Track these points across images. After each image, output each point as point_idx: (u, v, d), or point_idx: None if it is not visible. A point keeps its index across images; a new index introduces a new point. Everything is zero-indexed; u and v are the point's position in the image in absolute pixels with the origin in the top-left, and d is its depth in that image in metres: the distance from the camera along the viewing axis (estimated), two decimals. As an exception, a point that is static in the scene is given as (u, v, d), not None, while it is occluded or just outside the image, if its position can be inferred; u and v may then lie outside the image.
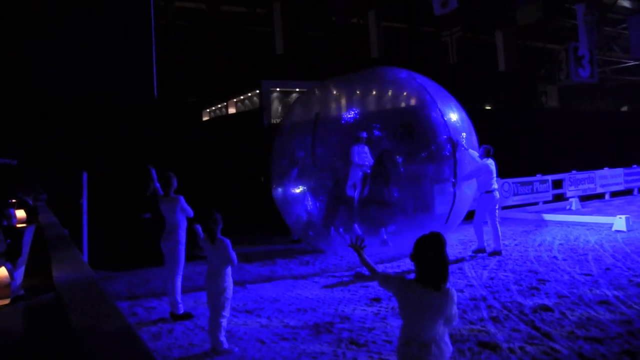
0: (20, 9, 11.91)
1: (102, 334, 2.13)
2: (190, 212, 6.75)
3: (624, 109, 34.95)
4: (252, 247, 11.47)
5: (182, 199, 6.72)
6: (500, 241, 9.91)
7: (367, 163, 10.57)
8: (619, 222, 11.78)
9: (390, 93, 11.61)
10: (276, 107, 20.53)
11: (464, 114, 10.38)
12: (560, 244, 10.58)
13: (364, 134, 10.54)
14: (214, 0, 21.86)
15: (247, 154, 15.12)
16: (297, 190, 11.42)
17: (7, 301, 3.69)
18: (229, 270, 5.46)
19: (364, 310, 6.63)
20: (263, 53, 20.90)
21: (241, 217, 12.74)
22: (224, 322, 5.40)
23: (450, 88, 10.79)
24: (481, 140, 10.42)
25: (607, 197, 18.38)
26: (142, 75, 13.20)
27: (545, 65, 29.54)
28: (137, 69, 13.16)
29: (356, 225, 10.46)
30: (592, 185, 17.91)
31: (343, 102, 11.95)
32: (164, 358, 5.30)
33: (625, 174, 19.20)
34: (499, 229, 9.95)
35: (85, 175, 8.73)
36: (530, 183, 16.41)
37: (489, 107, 27.20)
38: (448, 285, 3.05)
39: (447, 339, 3.07)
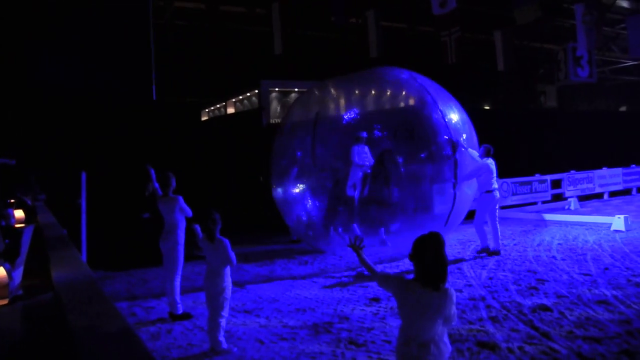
0: (19, 9, 11.90)
1: (101, 334, 2.13)
2: (189, 212, 6.74)
3: (623, 109, 34.99)
4: (251, 247, 11.46)
5: (180, 199, 6.71)
6: (500, 241, 9.91)
7: (367, 163, 10.58)
8: (618, 222, 11.79)
9: (391, 94, 11.60)
10: (275, 107, 20.54)
11: (464, 115, 10.38)
12: (559, 244, 10.59)
13: (364, 134, 10.54)
14: (213, 0, 21.85)
15: (246, 154, 15.12)
16: (297, 190, 11.43)
17: (5, 301, 3.69)
18: (227, 270, 5.46)
19: (363, 310, 6.63)
20: (262, 53, 20.89)
21: (240, 217, 12.73)
22: (223, 322, 5.39)
23: (449, 88, 10.79)
24: (480, 140, 10.43)
25: (605, 196, 18.40)
26: (140, 75, 13.20)
27: (544, 65, 29.56)
28: (136, 69, 13.15)
29: (355, 225, 10.46)
30: (590, 185, 17.93)
31: (343, 102, 11.96)
32: (162, 358, 5.29)
33: (624, 174, 19.22)
34: (499, 229, 9.96)
35: (84, 175, 8.72)
36: (529, 183, 16.43)
37: (488, 107, 27.22)
38: (447, 285, 3.05)
39: (446, 338, 3.07)
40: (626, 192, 19.22)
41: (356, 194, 10.57)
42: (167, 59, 18.68)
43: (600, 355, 4.88)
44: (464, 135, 9.97)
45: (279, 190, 11.46)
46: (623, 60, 30.47)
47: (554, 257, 9.38)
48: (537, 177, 16.66)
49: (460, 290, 7.30)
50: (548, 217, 14.22)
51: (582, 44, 19.20)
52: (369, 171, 10.58)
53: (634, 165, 19.87)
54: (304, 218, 11.27)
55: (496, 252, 9.72)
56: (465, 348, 5.16)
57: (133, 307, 7.13)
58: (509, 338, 5.40)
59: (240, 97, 22.66)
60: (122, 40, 12.78)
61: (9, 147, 10.80)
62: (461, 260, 9.46)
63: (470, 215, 10.72)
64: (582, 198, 17.27)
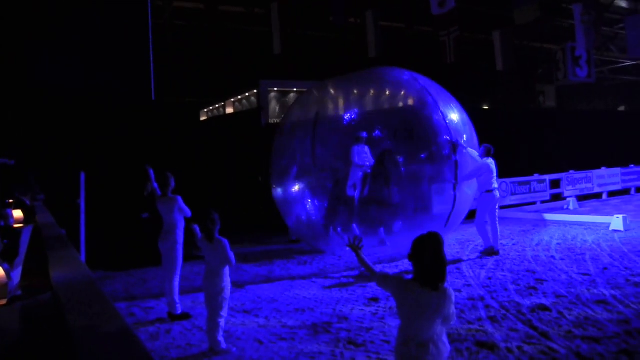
0: (18, 9, 11.89)
1: (100, 334, 2.13)
2: (188, 212, 6.74)
3: (621, 108, 35.02)
4: (250, 247, 11.46)
5: (179, 199, 6.71)
6: (499, 241, 9.92)
7: (367, 163, 10.58)
8: (616, 222, 11.80)
9: (392, 94, 11.58)
10: (274, 106, 20.54)
11: (465, 116, 10.37)
12: (557, 244, 10.60)
13: (364, 134, 10.54)
14: (212, 0, 21.84)
15: (245, 154, 15.11)
16: (297, 190, 11.43)
17: (4, 301, 3.69)
18: (226, 270, 5.46)
19: (362, 310, 6.64)
20: (261, 53, 20.88)
21: (239, 217, 12.73)
22: (222, 322, 5.39)
23: (448, 88, 10.79)
24: (479, 140, 10.43)
25: (604, 196, 18.42)
26: (139, 75, 13.19)
27: (543, 65, 29.58)
28: (135, 69, 13.14)
29: (354, 225, 10.46)
30: (589, 185, 17.94)
31: (344, 102, 11.95)
32: (161, 358, 5.29)
33: (623, 174, 19.23)
34: (498, 229, 9.97)
35: (82, 175, 8.71)
36: (528, 183, 16.44)
37: (487, 107, 27.22)
38: (446, 284, 3.05)
39: (445, 338, 3.07)
40: (625, 192, 19.24)
41: (356, 194, 10.57)
42: (166, 59, 18.66)
43: (599, 355, 4.89)
44: (465, 136, 9.97)
45: (279, 190, 11.46)
46: (622, 60, 30.51)
47: (552, 257, 9.38)
48: (536, 177, 16.67)
49: (459, 290, 7.31)
50: (547, 216, 14.23)
51: (581, 43, 19.22)
52: (369, 171, 10.58)
53: (632, 165, 19.89)
54: (304, 218, 11.26)
55: (495, 252, 9.72)
56: (464, 348, 5.17)
57: (132, 307, 7.12)
58: (508, 338, 5.40)
59: (239, 97, 22.66)
60: (121, 40, 12.78)
61: (8, 147, 10.79)
62: (460, 260, 9.47)
63: (470, 215, 10.73)
64: (581, 198, 17.29)
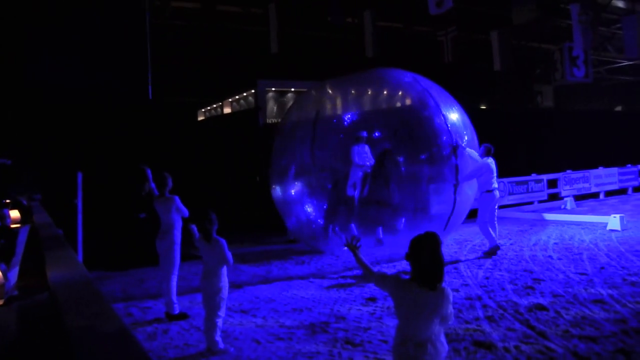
0: (16, 8, 11.86)
1: (97, 334, 2.12)
2: (186, 212, 6.73)
3: (618, 108, 35.09)
4: (248, 247, 11.45)
5: (177, 199, 6.70)
6: (496, 241, 9.93)
7: (367, 163, 10.58)
8: (614, 222, 11.83)
9: (393, 96, 11.56)
10: (272, 106, 20.54)
11: (466, 118, 10.38)
12: (555, 243, 10.62)
13: (364, 134, 10.55)
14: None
15: (243, 153, 15.09)
16: (297, 190, 11.42)
17: (1, 302, 3.68)
18: (224, 270, 5.46)
19: (360, 310, 6.64)
20: (258, 53, 20.85)
21: (237, 217, 12.72)
22: (220, 322, 5.39)
23: (446, 88, 10.79)
24: (476, 140, 10.43)
25: (601, 196, 18.46)
26: (136, 75, 13.16)
27: (541, 65, 29.61)
28: (132, 69, 13.11)
29: (353, 225, 10.46)
30: (586, 185, 17.98)
31: (344, 103, 11.94)
32: (159, 358, 5.29)
33: (620, 174, 19.28)
34: (497, 229, 9.97)
35: (80, 175, 8.70)
36: (526, 182, 16.47)
37: (484, 107, 27.25)
38: (443, 284, 3.05)
39: (442, 338, 3.07)
40: (622, 191, 19.28)
41: (356, 193, 10.58)
42: (163, 59, 18.62)
43: (596, 354, 4.90)
44: (466, 138, 9.97)
45: (279, 190, 11.45)
46: (619, 60, 30.55)
47: (550, 256, 9.40)
48: (534, 176, 16.69)
49: (456, 290, 7.32)
50: (544, 216, 14.26)
51: (578, 44, 19.26)
52: (369, 171, 10.58)
53: (629, 165, 19.93)
54: (303, 218, 11.27)
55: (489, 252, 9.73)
56: (462, 347, 5.17)
57: (129, 307, 7.12)
58: (506, 337, 5.41)
59: (237, 97, 22.65)
60: (119, 39, 12.75)
61: (5, 147, 10.76)
62: (458, 260, 9.47)
63: (469, 215, 10.72)
64: (578, 198, 17.32)
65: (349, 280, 8.23)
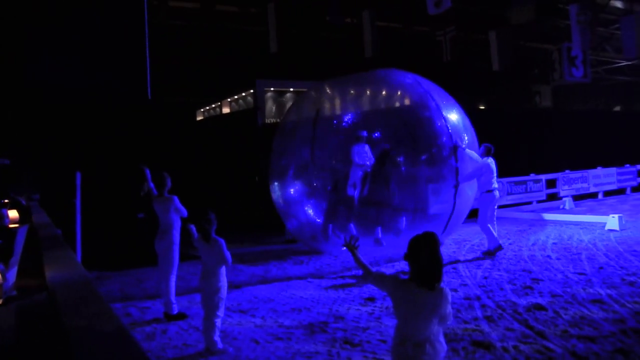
0: (16, 8, 11.85)
1: (96, 334, 2.12)
2: (185, 212, 6.73)
3: (617, 108, 35.14)
4: (247, 247, 11.44)
5: (176, 199, 6.70)
6: (499, 241, 9.92)
7: (367, 162, 10.58)
8: (612, 222, 11.84)
9: (394, 97, 11.56)
10: (270, 106, 20.52)
11: (467, 120, 10.38)
12: (553, 243, 10.63)
13: (364, 133, 10.55)
14: (208, -1, 21.84)
15: (242, 153, 15.09)
16: (296, 191, 11.42)
17: (-1, 302, 3.67)
18: (223, 270, 5.46)
19: (359, 309, 6.64)
20: (257, 53, 20.87)
21: (235, 217, 12.72)
22: (218, 322, 5.39)
23: (445, 88, 10.79)
24: (475, 140, 10.43)
25: (600, 196, 18.48)
26: (135, 75, 13.15)
27: (539, 65, 29.64)
28: (131, 69, 13.10)
29: (352, 225, 10.46)
30: (585, 185, 17.99)
31: (344, 104, 11.93)
32: (157, 358, 5.28)
33: (618, 174, 19.30)
34: (495, 229, 9.97)
35: (78, 175, 8.69)
36: (524, 182, 16.48)
37: (483, 107, 27.28)
38: (442, 284, 3.06)
39: (441, 338, 3.07)
40: (620, 191, 19.31)
41: (356, 193, 10.58)
42: (162, 59, 18.61)
43: (595, 354, 4.90)
44: (466, 139, 9.98)
45: (278, 190, 11.45)
46: (617, 61, 30.59)
47: (548, 256, 9.41)
48: (532, 176, 16.71)
49: (455, 290, 7.32)
50: (543, 216, 14.27)
51: (577, 44, 19.28)
52: (369, 170, 10.58)
53: (628, 165, 19.96)
54: (303, 218, 11.26)
55: (490, 252, 9.73)
56: (461, 347, 5.18)
57: (128, 307, 7.11)
58: (504, 337, 5.41)
59: (236, 96, 22.63)
60: (117, 39, 12.74)
61: (3, 146, 10.75)
62: (457, 260, 9.48)
63: (468, 215, 10.73)
64: (577, 197, 17.34)
65: (348, 280, 8.23)
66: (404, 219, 10.21)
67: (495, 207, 10.08)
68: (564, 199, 16.36)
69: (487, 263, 9.08)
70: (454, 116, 10.10)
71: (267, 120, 18.27)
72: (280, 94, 21.10)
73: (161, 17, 20.33)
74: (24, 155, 11.13)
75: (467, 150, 9.72)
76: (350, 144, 10.63)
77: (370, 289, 7.41)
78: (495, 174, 9.77)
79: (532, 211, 15.43)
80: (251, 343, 5.57)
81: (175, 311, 6.56)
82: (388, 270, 8.94)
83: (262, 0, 19.79)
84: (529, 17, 17.98)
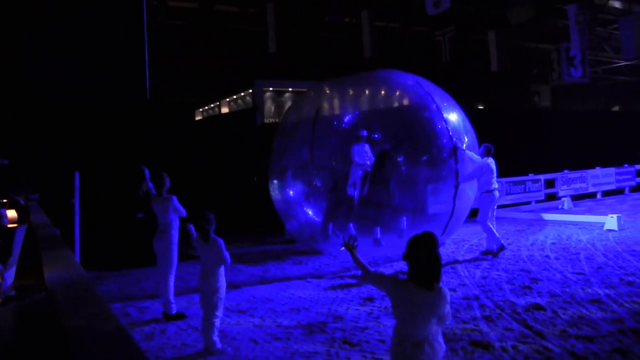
0: (16, 8, 11.83)
1: (94, 334, 2.12)
2: (183, 212, 6.73)
3: (616, 108, 35.18)
4: (246, 247, 11.44)
5: (174, 199, 6.70)
6: (501, 241, 9.92)
7: (367, 162, 10.59)
8: (611, 221, 11.85)
9: (395, 98, 11.55)
10: (269, 106, 20.52)
11: (467, 122, 10.38)
12: (552, 243, 10.63)
13: (364, 133, 10.56)
14: (206, -1, 21.82)
15: (240, 153, 15.09)
16: (296, 191, 11.42)
17: (-2, 302, 3.67)
18: (222, 270, 5.46)
19: (357, 309, 6.64)
20: (256, 52, 20.85)
21: (234, 217, 12.71)
22: (217, 322, 5.39)
23: (443, 87, 10.79)
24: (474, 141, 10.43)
25: (598, 196, 18.49)
26: (134, 75, 13.13)
27: (538, 65, 29.67)
28: (129, 69, 13.08)
29: (351, 225, 10.46)
30: (584, 185, 18.01)
31: (344, 104, 11.92)
32: (156, 358, 5.28)
33: (617, 174, 19.32)
34: (495, 229, 9.98)
35: (77, 175, 8.68)
36: (523, 182, 16.49)
37: (482, 107, 27.29)
38: (441, 284, 3.06)
39: (440, 338, 3.08)
40: (619, 191, 19.33)
41: (356, 193, 10.58)
42: (161, 59, 18.60)
43: (593, 353, 4.91)
44: (466, 141, 9.98)
45: (278, 190, 11.44)
46: (616, 61, 30.61)
47: (547, 256, 9.42)
48: (531, 176, 16.72)
49: (454, 290, 7.32)
50: (542, 216, 14.28)
51: (575, 44, 19.28)
52: (369, 170, 10.58)
53: (626, 165, 19.98)
54: (303, 218, 11.26)
55: (490, 252, 9.74)
56: (459, 347, 5.18)
57: (127, 307, 7.11)
58: (503, 337, 5.42)
59: (235, 96, 22.62)
60: (116, 39, 12.72)
61: (2, 146, 10.74)
62: (456, 260, 9.48)
63: (468, 215, 10.73)
64: (576, 197, 17.35)
65: (347, 280, 8.24)
66: (405, 219, 10.20)
67: (495, 207, 10.08)
68: (562, 199, 16.38)
69: (485, 263, 9.09)
70: (454, 118, 10.10)
71: (266, 120, 18.26)
72: (279, 94, 21.09)
73: (160, 17, 20.31)
74: (22, 155, 11.12)
75: (467, 152, 9.72)
76: (350, 143, 10.63)
77: (369, 289, 7.41)
78: (495, 174, 9.77)
79: (530, 211, 15.44)
80: (250, 343, 5.57)
81: (174, 311, 6.56)
82: (387, 270, 8.94)
83: (261, 0, 19.77)
84: (528, 17, 17.97)
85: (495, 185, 9.77)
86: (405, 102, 11.23)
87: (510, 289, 7.33)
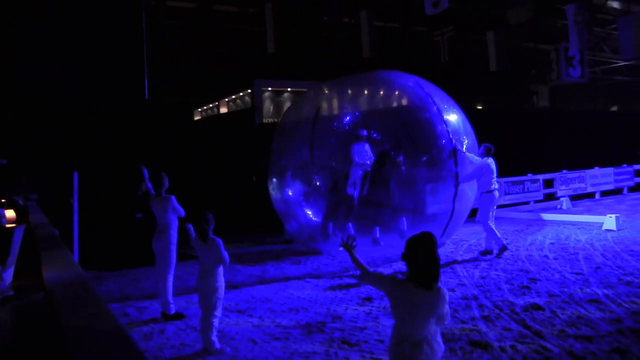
0: (16, 8, 11.83)
1: (93, 334, 2.12)
2: (182, 212, 6.73)
3: (614, 108, 35.22)
4: (245, 247, 11.44)
5: (173, 199, 6.70)
6: (492, 241, 9.93)
7: (367, 162, 10.59)
8: (609, 221, 11.86)
9: (396, 99, 11.54)
10: (268, 106, 20.53)
11: (467, 123, 10.39)
12: (551, 243, 10.64)
13: (364, 132, 10.56)
14: (205, -1, 21.81)
15: (239, 153, 15.08)
16: (295, 191, 11.41)
17: (-4, 302, 3.67)
18: (220, 270, 5.46)
19: (356, 309, 6.64)
20: (255, 52, 20.85)
21: (233, 217, 12.71)
22: (216, 322, 5.39)
23: (442, 87, 10.80)
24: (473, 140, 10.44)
25: (597, 196, 18.50)
26: (133, 75, 13.14)
27: (536, 66, 29.69)
28: (128, 69, 13.09)
29: (349, 225, 10.46)
30: (582, 185, 18.02)
31: (344, 104, 11.92)
32: (155, 358, 5.28)
33: (615, 174, 19.32)
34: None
35: (76, 175, 8.68)
36: (522, 182, 16.49)
37: (480, 107, 27.32)
38: (440, 284, 3.06)
39: (439, 338, 3.08)
40: (617, 191, 19.34)
41: (355, 193, 10.58)
42: (160, 59, 18.60)
43: (592, 353, 4.92)
44: (466, 142, 9.98)
45: (277, 190, 11.44)
46: (614, 61, 30.65)
47: (546, 256, 9.42)
48: (530, 176, 16.72)
49: (452, 290, 7.32)
50: (540, 216, 14.29)
51: (574, 44, 19.28)
52: (369, 169, 10.59)
53: (625, 165, 19.99)
54: (302, 218, 11.26)
55: (489, 252, 9.74)
56: (458, 347, 5.18)
57: (125, 307, 7.10)
58: (502, 337, 5.42)
59: (234, 96, 22.62)
60: (114, 39, 12.73)
61: (1, 146, 10.74)
62: (454, 260, 9.48)
63: (468, 215, 10.74)
64: (574, 197, 17.36)
65: (346, 281, 8.24)
66: (405, 220, 10.20)
67: (494, 207, 10.08)
68: (561, 199, 16.38)
69: (484, 263, 9.09)
70: (454, 119, 10.10)
71: (265, 120, 18.27)
72: (278, 94, 21.10)
73: (159, 17, 20.30)
74: (21, 154, 11.12)
75: (467, 154, 9.72)
76: (349, 143, 10.63)
77: (368, 289, 7.41)
78: (495, 174, 9.76)
79: (529, 211, 15.45)
80: (249, 343, 5.57)
81: (173, 311, 6.55)
82: (386, 270, 8.94)
83: (259, 1, 19.77)
84: (527, 17, 17.98)
85: (495, 186, 9.76)
86: (405, 102, 11.24)
87: (508, 289, 7.33)
